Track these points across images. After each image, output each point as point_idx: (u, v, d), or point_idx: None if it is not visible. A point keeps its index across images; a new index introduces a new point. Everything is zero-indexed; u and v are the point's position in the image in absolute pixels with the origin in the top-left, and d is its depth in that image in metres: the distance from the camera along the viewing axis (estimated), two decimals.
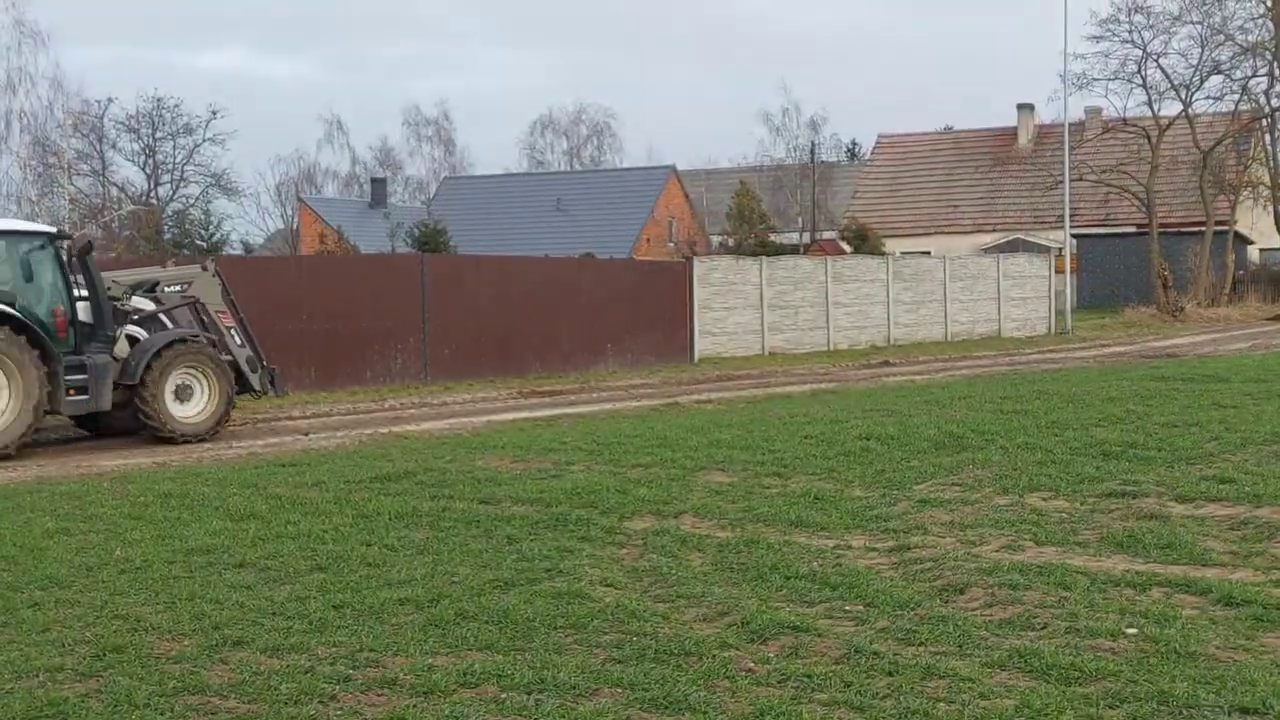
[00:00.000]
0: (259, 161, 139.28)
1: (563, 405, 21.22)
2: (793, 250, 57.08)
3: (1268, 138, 56.91)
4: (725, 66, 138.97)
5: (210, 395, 17.90)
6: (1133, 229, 55.14)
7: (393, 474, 12.76)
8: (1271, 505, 9.91)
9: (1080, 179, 50.04)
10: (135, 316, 18.07)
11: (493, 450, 14.51)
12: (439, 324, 25.36)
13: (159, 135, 59.97)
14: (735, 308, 32.16)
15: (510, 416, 19.51)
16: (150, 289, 18.65)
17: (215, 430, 17.84)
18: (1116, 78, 51.22)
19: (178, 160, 60.24)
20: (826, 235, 65.34)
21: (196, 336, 18.24)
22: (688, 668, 6.51)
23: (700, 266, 32.10)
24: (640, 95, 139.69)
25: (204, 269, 19.27)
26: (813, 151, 74.54)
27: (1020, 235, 60.46)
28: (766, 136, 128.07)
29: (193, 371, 17.81)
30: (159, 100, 59.60)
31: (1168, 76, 51.14)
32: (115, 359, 17.29)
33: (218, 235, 45.77)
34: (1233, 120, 52.85)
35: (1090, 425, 14.66)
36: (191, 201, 59.23)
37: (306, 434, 17.96)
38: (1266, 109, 55.17)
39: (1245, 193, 55.20)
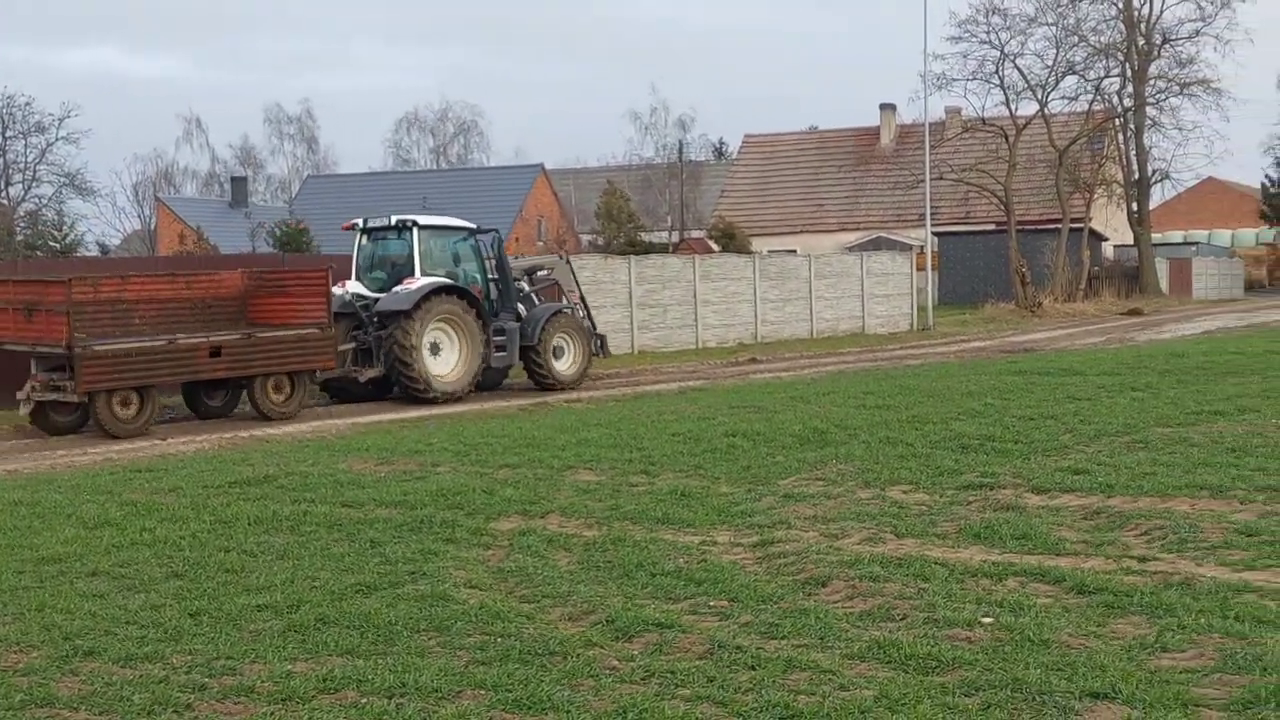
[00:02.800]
0: (115, 161, 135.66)
1: (429, 406, 21.01)
2: (662, 249, 57.26)
3: (1121, 137, 58.60)
4: (593, 66, 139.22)
5: (576, 354, 23.64)
6: (992, 226, 56.24)
7: (253, 478, 12.52)
8: (1123, 495, 10.18)
9: (940, 178, 50.93)
10: (520, 294, 23.64)
11: (357, 453, 14.33)
12: None
13: (9, 134, 58.03)
14: (604, 306, 32.08)
15: (375, 418, 19.27)
16: (530, 273, 24.59)
17: (580, 381, 23.43)
18: (975, 78, 52.32)
19: (29, 160, 58.35)
20: (695, 234, 65.68)
21: (569, 308, 24.08)
22: (552, 667, 6.48)
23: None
24: (508, 94, 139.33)
25: (560, 258, 26.50)
26: (681, 151, 74.95)
27: (883, 233, 61.41)
28: (635, 136, 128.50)
29: (564, 335, 23.46)
30: (9, 98, 57.60)
31: (1024, 77, 52.36)
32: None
33: (72, 236, 44.43)
34: (1087, 120, 54.27)
35: (950, 419, 14.94)
36: (44, 202, 57.42)
37: (164, 439, 17.57)
38: (1119, 109, 56.79)
39: (1100, 191, 56.74)
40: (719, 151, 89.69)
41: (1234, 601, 7.12)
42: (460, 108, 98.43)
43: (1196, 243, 74.80)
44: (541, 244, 64.25)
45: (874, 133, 69.26)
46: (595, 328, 24.88)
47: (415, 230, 22.00)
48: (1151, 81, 56.51)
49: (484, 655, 6.71)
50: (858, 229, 63.72)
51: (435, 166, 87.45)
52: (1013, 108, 52.45)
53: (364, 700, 6.13)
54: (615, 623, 7.17)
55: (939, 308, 45.96)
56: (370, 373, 21.41)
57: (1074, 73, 53.41)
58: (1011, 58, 51.96)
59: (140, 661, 6.83)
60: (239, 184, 75.48)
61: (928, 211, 45.87)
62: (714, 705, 5.92)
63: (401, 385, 21.27)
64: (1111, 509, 9.70)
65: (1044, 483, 10.78)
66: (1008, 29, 51.77)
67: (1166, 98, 56.16)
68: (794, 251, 50.10)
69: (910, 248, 47.89)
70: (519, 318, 23.10)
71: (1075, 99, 54.69)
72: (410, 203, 66.17)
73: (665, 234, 66.66)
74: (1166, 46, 56.33)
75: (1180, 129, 55.88)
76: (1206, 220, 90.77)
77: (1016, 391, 17.83)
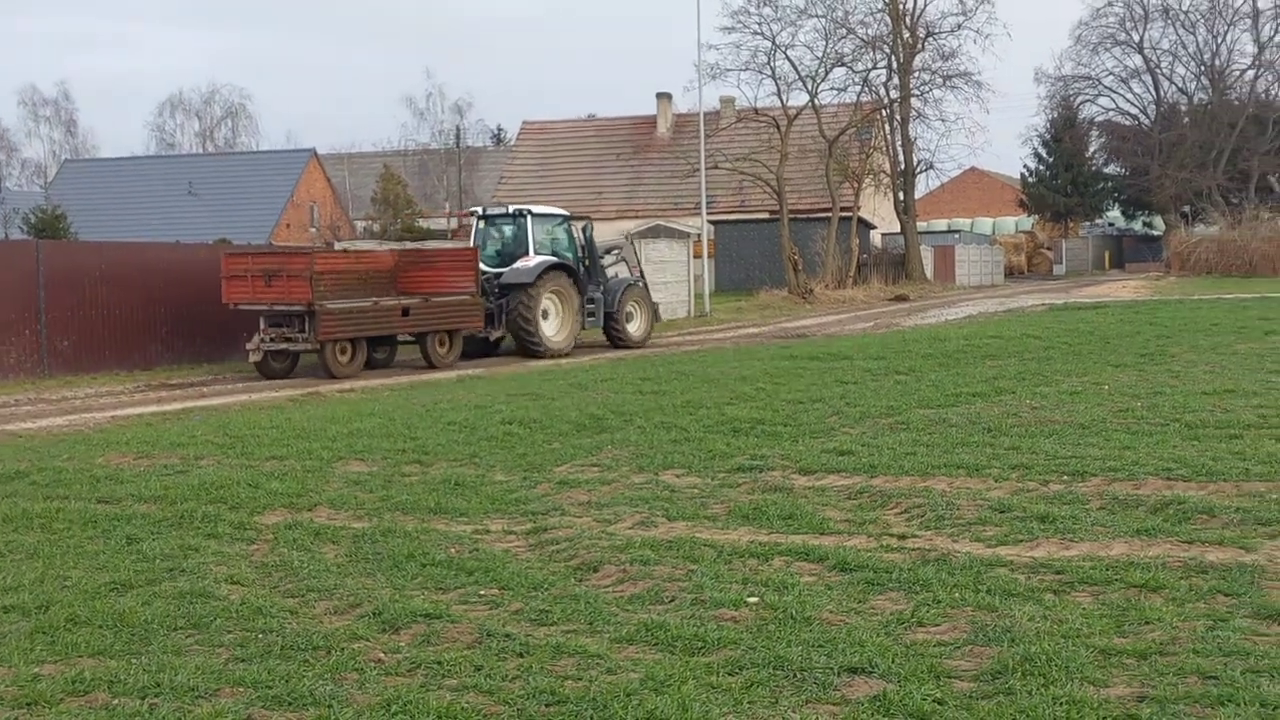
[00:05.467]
0: None
1: (194, 398, 20.36)
2: (441, 235, 56.70)
3: (887, 128, 60.38)
4: (367, 50, 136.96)
5: (643, 318, 28.77)
6: (766, 215, 57.27)
7: (1, 474, 11.91)
8: (885, 475, 10.47)
9: (716, 167, 51.52)
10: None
11: (115, 447, 13.76)
12: (58, 314, 23.81)
13: None
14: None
15: (137, 411, 18.56)
16: (608, 251, 29.44)
17: (645, 341, 28.43)
18: (748, 68, 53.24)
19: None
20: None
21: (638, 281, 29.06)
22: (315, 662, 6.33)
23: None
24: (278, 77, 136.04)
25: (627, 239, 31.90)
26: (458, 136, 74.40)
27: (662, 221, 61.96)
28: (410, 120, 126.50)
29: (635, 303, 28.53)
30: None
31: (795, 68, 53.44)
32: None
33: None
34: (855, 111, 55.71)
35: (723, 404, 15.15)
36: None
37: None
38: (886, 100, 58.51)
39: (868, 180, 58.32)
40: (497, 138, 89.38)
41: (986, 576, 7.38)
42: (228, 91, 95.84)
43: (960, 231, 77.74)
44: (315, 230, 62.96)
45: (651, 121, 69.81)
46: (650, 297, 29.47)
47: (529, 218, 26.94)
48: (916, 74, 58.41)
49: (244, 652, 6.52)
50: (637, 217, 64.12)
51: (202, 151, 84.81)
52: (784, 98, 53.50)
53: (115, 701, 5.88)
54: (382, 615, 7.04)
55: (716, 295, 46.62)
56: (497, 334, 26.34)
57: (843, 64, 54.81)
58: (783, 49, 53.00)
59: None
60: None
61: (703, 200, 46.46)
62: (480, 694, 5.86)
63: (522, 344, 26.01)
64: (874, 488, 9.97)
65: (811, 464, 11.02)
66: (779, 20, 52.82)
67: (930, 90, 58.25)
68: None
69: (688, 235, 48.43)
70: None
71: (844, 90, 56.22)
72: (176, 188, 64.19)
73: (444, 220, 66.02)
74: (930, 40, 58.37)
75: (944, 120, 58.17)
76: (969, 209, 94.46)
77: (787, 376, 18.20)
